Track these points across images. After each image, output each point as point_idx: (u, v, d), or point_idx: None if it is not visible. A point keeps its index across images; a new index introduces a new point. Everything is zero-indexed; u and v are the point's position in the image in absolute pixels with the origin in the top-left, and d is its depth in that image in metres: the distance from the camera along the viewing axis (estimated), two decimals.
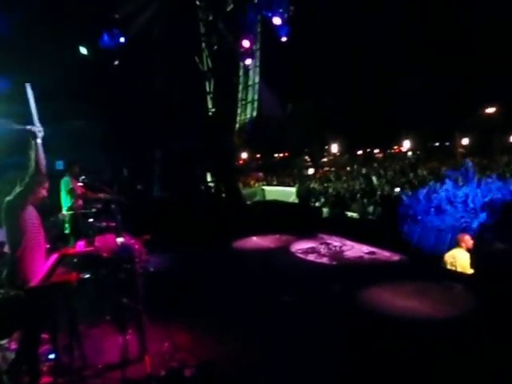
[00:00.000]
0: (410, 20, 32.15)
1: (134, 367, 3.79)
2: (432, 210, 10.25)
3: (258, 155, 46.00)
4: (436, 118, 38.40)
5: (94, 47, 11.47)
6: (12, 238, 3.61)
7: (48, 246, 4.02)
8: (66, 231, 6.80)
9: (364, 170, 21.36)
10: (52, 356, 3.73)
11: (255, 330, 4.59)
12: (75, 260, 4.00)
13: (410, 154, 44.86)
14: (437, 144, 52.71)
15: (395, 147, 53.12)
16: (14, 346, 3.67)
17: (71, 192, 7.01)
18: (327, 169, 36.70)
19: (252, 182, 24.98)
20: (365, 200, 13.01)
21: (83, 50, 11.33)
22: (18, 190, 3.60)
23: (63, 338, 3.79)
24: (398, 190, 12.31)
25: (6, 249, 3.80)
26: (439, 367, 3.67)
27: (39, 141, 3.60)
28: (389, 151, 53.40)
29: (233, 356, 4.07)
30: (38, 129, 3.65)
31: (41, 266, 3.68)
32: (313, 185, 18.83)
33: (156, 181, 13.38)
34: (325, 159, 49.97)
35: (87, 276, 3.98)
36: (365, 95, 38.57)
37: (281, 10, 11.71)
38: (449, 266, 6.89)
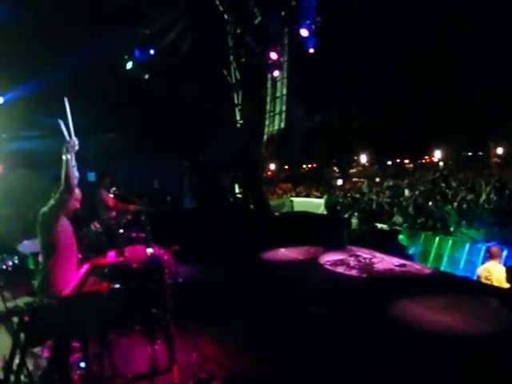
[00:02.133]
0: (439, 27, 31.73)
1: (162, 377, 3.82)
2: (463, 222, 9.98)
3: (286, 166, 45.99)
4: (468, 127, 37.57)
5: (127, 60, 11.81)
6: (45, 248, 3.72)
7: (80, 256, 4.12)
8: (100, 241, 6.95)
9: (391, 182, 21.04)
10: (83, 364, 3.79)
11: (283, 343, 4.55)
12: (106, 270, 4.07)
13: (441, 164, 43.97)
14: (470, 154, 51.41)
15: (426, 157, 52.15)
16: (46, 353, 3.76)
17: (103, 204, 7.18)
18: (356, 179, 36.31)
19: (280, 193, 24.95)
20: (394, 210, 12.78)
21: (129, 65, 11.70)
22: (51, 202, 3.71)
23: (94, 347, 3.84)
24: (430, 203, 12.05)
25: (40, 258, 3.92)
26: None
27: (69, 156, 3.66)
28: (419, 161, 52.46)
29: (260, 369, 4.03)
30: (70, 144, 3.72)
31: (73, 275, 3.77)
32: (341, 196, 18.63)
33: (187, 192, 13.54)
34: (353, 170, 49.46)
35: (117, 286, 4.05)
36: (394, 104, 38.15)
37: (308, 22, 11.75)
38: (483, 280, 6.68)
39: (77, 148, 3.83)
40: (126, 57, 11.86)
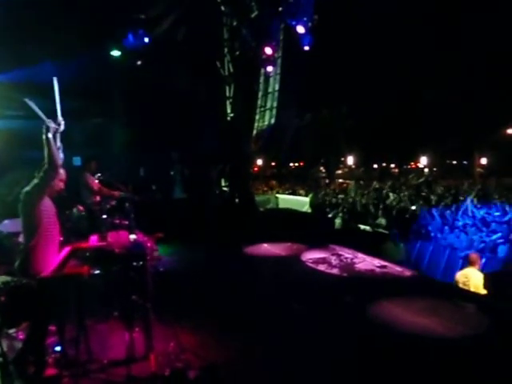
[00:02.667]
0: (430, 36, 32.02)
1: (139, 365, 3.79)
2: (446, 228, 10.12)
3: (273, 163, 46.03)
4: (455, 136, 38.05)
5: (119, 47, 11.62)
6: (27, 228, 3.65)
7: (61, 238, 4.06)
8: (83, 225, 6.87)
9: (377, 185, 21.22)
10: (58, 348, 3.74)
11: (262, 335, 4.56)
12: (87, 254, 4.02)
13: (426, 170, 44.47)
14: (454, 162, 52.18)
15: (411, 163, 52.74)
16: (21, 335, 3.70)
17: (87, 187, 7.10)
18: (341, 181, 36.49)
19: (266, 189, 24.95)
20: (378, 213, 12.90)
21: (115, 53, 11.50)
22: (35, 181, 3.65)
23: (70, 331, 3.80)
24: (414, 207, 12.19)
25: (21, 238, 3.85)
26: None
27: (50, 135, 3.62)
28: (405, 167, 53.02)
29: (238, 360, 4.04)
30: (52, 124, 3.67)
31: (53, 257, 3.71)
32: (327, 196, 18.71)
33: (178, 182, 13.46)
34: (340, 171, 49.75)
35: (98, 271, 4.00)
36: (383, 109, 38.42)
37: (305, 19, 11.74)
38: (461, 285, 6.79)
39: (62, 128, 3.78)
40: (116, 44, 11.61)
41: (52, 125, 3.64)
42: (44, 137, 3.58)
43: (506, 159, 39.80)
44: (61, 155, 3.77)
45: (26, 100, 3.69)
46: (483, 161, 44.77)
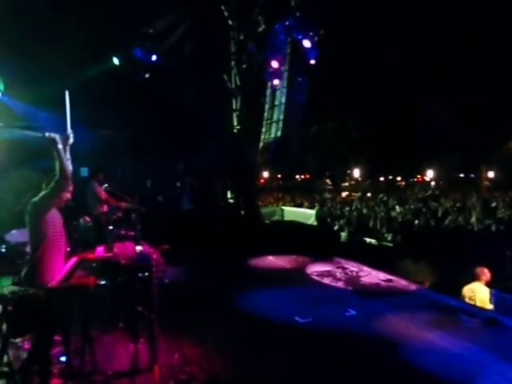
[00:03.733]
0: (439, 47, 32.16)
1: (142, 376, 3.79)
2: None
3: (279, 175, 46.07)
4: (461, 150, 38.00)
5: (126, 58, 11.78)
6: (34, 239, 3.69)
7: (68, 249, 4.09)
8: (90, 235, 6.92)
9: (385, 197, 21.17)
10: (63, 359, 3.75)
11: (266, 348, 4.55)
12: (94, 264, 4.05)
13: (433, 183, 44.30)
14: (461, 175, 51.97)
15: (418, 176, 52.59)
16: (27, 345, 3.72)
17: (95, 196, 7.17)
18: (347, 193, 36.41)
19: (271, 202, 24.94)
20: (385, 226, 12.85)
21: (115, 61, 11.65)
22: (43, 192, 3.70)
23: (75, 342, 3.81)
24: (416, 221, 12.15)
25: (28, 248, 3.89)
26: None
27: (60, 146, 3.68)
28: (411, 179, 52.88)
29: (242, 374, 4.03)
30: (64, 135, 3.75)
31: (60, 267, 3.74)
32: (333, 208, 18.68)
33: (186, 193, 13.50)
34: (346, 183, 49.68)
35: (104, 282, 4.02)
36: (390, 122, 38.49)
37: (311, 34, 11.87)
38: (467, 300, 6.72)
39: (71, 141, 3.86)
40: (119, 54, 11.76)
41: (58, 136, 3.72)
42: (55, 148, 3.65)
43: None
44: (70, 167, 3.83)
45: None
46: (490, 174, 44.58)
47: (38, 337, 3.52)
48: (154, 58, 11.96)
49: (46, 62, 9.89)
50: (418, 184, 45.69)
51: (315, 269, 8.15)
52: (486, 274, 7.10)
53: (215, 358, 4.31)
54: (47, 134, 3.70)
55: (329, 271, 7.99)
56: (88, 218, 7.05)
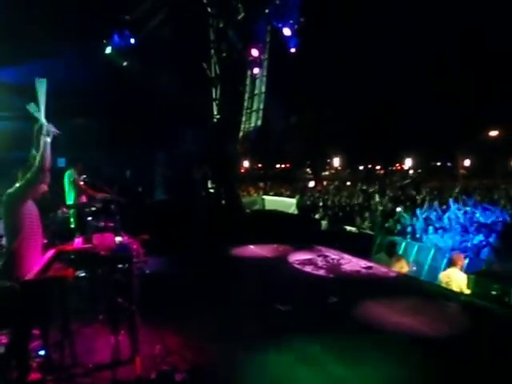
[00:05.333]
0: (416, 39, 32.41)
1: (124, 368, 3.75)
2: (431, 228, 10.24)
3: (260, 165, 46.09)
4: (438, 138, 38.58)
5: (109, 45, 11.57)
6: (10, 231, 3.60)
7: (45, 241, 4.01)
8: (72, 226, 6.80)
9: (364, 186, 21.39)
10: (42, 352, 3.69)
11: (248, 337, 4.55)
12: (72, 256, 3.97)
13: (411, 172, 44.95)
14: (438, 164, 52.93)
15: (397, 164, 53.28)
16: (4, 340, 3.64)
17: (75, 184, 7.03)
18: (327, 182, 36.68)
19: (252, 191, 24.96)
20: (366, 215, 12.99)
21: (108, 50, 11.46)
22: (19, 183, 3.60)
23: (54, 335, 3.75)
24: (399, 209, 12.32)
25: (3, 241, 3.79)
26: None
27: (49, 140, 3.60)
28: (390, 168, 53.55)
29: (224, 362, 4.03)
30: (52, 128, 3.66)
31: (37, 260, 3.66)
32: (313, 197, 18.80)
33: (159, 184, 13.37)
34: (326, 172, 50.07)
35: (83, 274, 3.96)
36: (369, 111, 38.77)
37: (291, 22, 11.79)
38: (444, 285, 6.88)
39: (56, 131, 3.75)
40: (105, 41, 11.60)
41: (52, 129, 3.63)
42: (42, 140, 3.56)
43: (488, 161, 40.51)
44: (49, 159, 3.74)
45: (28, 106, 3.67)
46: (466, 162, 45.50)
47: (15, 331, 3.44)
48: (132, 41, 11.72)
49: (20, 49, 9.61)
50: (397, 172, 46.35)
51: (296, 257, 8.20)
52: (461, 259, 7.28)
53: (197, 348, 4.30)
54: (48, 124, 3.61)
55: (310, 259, 8.05)
56: (65, 210, 6.91)
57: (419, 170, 46.23)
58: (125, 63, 12.13)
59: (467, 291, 6.76)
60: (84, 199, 7.04)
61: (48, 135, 3.59)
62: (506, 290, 6.47)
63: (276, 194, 22.79)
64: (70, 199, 7.12)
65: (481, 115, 36.10)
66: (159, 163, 13.66)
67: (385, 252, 8.30)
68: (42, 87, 3.77)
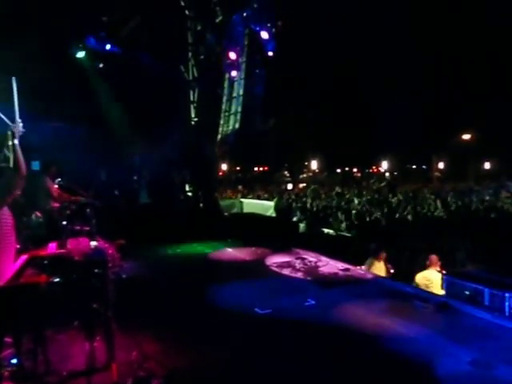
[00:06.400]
0: (391, 42, 33.01)
1: (100, 375, 3.68)
2: None
3: (238, 168, 46.10)
4: (414, 142, 39.32)
5: (83, 48, 11.40)
6: None
7: (18, 246, 3.91)
8: (42, 232, 6.63)
9: (339, 189, 21.65)
10: (14, 361, 3.59)
11: (226, 342, 4.54)
12: (46, 262, 3.88)
13: (387, 174, 45.66)
14: (414, 166, 53.93)
15: (373, 167, 54.07)
16: None
17: (46, 192, 6.88)
18: (305, 185, 36.96)
19: (230, 194, 24.93)
20: (342, 217, 13.14)
21: (80, 54, 11.28)
22: None
23: (27, 343, 3.65)
24: (378, 214, 12.50)
25: None
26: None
27: (16, 141, 3.50)
28: (367, 171, 54.30)
29: (202, 368, 4.00)
30: (19, 128, 3.56)
31: (10, 266, 3.57)
32: (291, 200, 18.89)
33: (143, 187, 13.21)
34: (304, 175, 50.40)
35: (57, 279, 3.87)
36: (346, 114, 39.27)
37: (269, 25, 11.87)
38: (423, 288, 6.98)
39: (21, 131, 3.65)
40: (81, 45, 11.40)
41: (18, 129, 3.52)
42: (10, 143, 3.46)
43: (461, 163, 41.46)
44: (24, 164, 3.63)
45: None
46: (441, 165, 46.48)
47: None
48: (108, 47, 11.61)
49: None
50: (374, 175, 47.00)
51: (274, 260, 8.22)
52: (438, 260, 7.43)
53: (174, 353, 4.26)
54: (12, 125, 3.51)
55: (288, 262, 8.07)
56: (39, 214, 6.75)
57: (395, 173, 47.00)
58: (101, 65, 11.98)
59: (442, 291, 6.90)
60: (56, 205, 6.87)
61: (14, 137, 3.49)
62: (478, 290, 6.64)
63: (255, 197, 22.79)
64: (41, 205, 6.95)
65: (455, 118, 36.96)
66: (136, 166, 13.51)
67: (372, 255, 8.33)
68: (15, 87, 3.69)
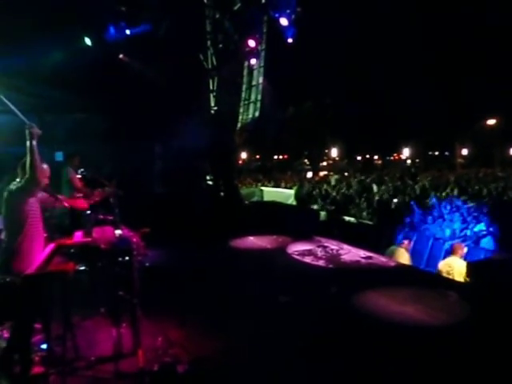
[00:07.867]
0: (414, 28, 32.28)
1: (126, 361, 3.77)
2: (429, 218, 10.26)
3: (258, 156, 46.07)
4: (436, 128, 38.58)
5: (100, 39, 11.43)
6: (11, 226, 3.60)
7: (46, 235, 4.00)
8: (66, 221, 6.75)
9: (362, 177, 21.40)
10: (44, 346, 3.70)
11: (249, 328, 4.57)
12: (72, 250, 3.96)
13: (408, 161, 44.98)
14: (436, 153, 52.90)
15: (394, 154, 53.30)
16: (6, 334, 3.65)
17: (69, 183, 6.99)
18: (325, 173, 36.71)
19: (250, 182, 24.96)
20: (364, 205, 13.02)
21: (87, 41, 11.29)
22: (19, 184, 3.57)
23: (56, 329, 3.75)
24: (395, 200, 12.32)
25: (3, 236, 3.78)
26: (431, 373, 3.66)
27: (34, 142, 3.53)
28: (388, 158, 53.57)
29: (226, 354, 4.05)
30: (37, 130, 3.58)
31: (38, 254, 3.66)
32: (312, 188, 18.80)
33: (156, 176, 13.31)
34: (324, 163, 50.03)
35: (83, 267, 3.95)
36: (367, 102, 38.68)
37: (288, 11, 11.70)
38: (445, 275, 6.90)
39: (39, 133, 3.64)
40: (86, 35, 11.34)
41: (35, 130, 3.55)
42: (28, 143, 3.49)
43: (486, 149, 40.54)
44: (44, 165, 3.66)
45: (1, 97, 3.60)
46: (464, 151, 45.52)
47: (16, 325, 3.45)
48: (128, 32, 11.61)
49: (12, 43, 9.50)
50: (394, 163, 46.38)
51: (296, 248, 8.20)
52: (462, 248, 7.31)
53: (199, 339, 4.32)
54: (29, 124, 3.53)
55: (309, 250, 8.05)
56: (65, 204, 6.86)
57: (417, 160, 46.26)
58: (121, 55, 12.03)
59: (467, 280, 6.79)
60: (80, 195, 6.96)
61: (33, 138, 3.52)
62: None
63: (276, 186, 22.77)
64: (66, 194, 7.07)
65: (479, 104, 36.05)
66: (157, 155, 13.59)
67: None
68: (7, 102, 3.67)
